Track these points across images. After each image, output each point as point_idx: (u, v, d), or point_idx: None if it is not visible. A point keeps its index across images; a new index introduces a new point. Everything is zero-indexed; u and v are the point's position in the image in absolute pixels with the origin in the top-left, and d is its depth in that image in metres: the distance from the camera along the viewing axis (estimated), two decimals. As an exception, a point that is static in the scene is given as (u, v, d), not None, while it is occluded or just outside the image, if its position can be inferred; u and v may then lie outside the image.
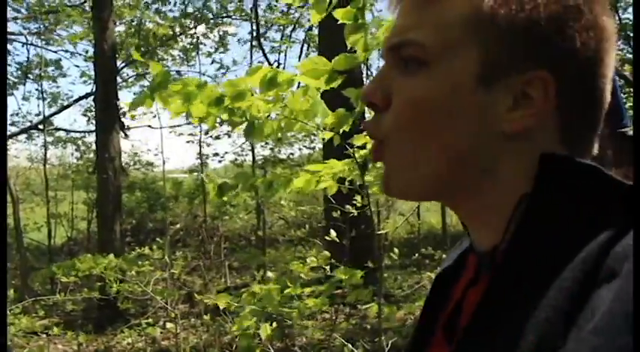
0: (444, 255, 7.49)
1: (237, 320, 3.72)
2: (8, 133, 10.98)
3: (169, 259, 6.08)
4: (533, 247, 0.52)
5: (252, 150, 10.48)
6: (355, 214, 3.76)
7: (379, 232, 3.48)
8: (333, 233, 3.79)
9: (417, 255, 7.00)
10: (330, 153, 6.66)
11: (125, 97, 16.57)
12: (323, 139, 2.65)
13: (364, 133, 3.11)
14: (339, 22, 2.42)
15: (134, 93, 14.09)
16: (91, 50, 13.73)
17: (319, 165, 2.85)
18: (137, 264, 4.93)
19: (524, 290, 0.50)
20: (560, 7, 0.55)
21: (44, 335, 6.25)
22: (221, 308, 3.58)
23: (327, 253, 3.50)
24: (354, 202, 3.69)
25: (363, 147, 2.93)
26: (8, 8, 12.95)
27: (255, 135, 2.61)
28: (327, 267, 3.57)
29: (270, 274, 4.33)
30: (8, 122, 12.10)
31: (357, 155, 2.79)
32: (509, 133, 0.56)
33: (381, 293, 3.15)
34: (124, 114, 8.22)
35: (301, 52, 13.72)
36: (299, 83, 2.75)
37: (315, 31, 12.56)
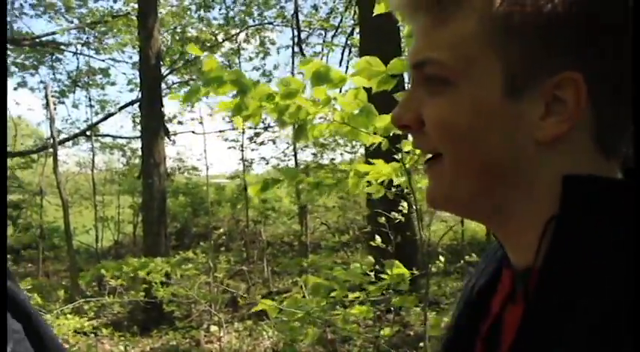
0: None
1: (279, 326, 3.73)
2: (58, 139, 11.26)
3: (213, 263, 6.14)
4: (565, 271, 0.51)
5: (295, 154, 10.51)
6: (402, 220, 3.73)
7: (423, 238, 3.43)
8: (378, 239, 3.75)
9: (462, 261, 6.89)
10: (372, 158, 6.63)
11: (169, 104, 16.87)
12: (372, 145, 2.63)
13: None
14: (398, 24, 2.41)
15: (179, 101, 14.31)
16: (137, 58, 14.15)
17: (366, 166, 2.84)
18: (182, 268, 5.00)
19: (565, 314, 0.50)
20: (577, 4, 0.53)
21: (92, 335, 6.39)
22: (270, 313, 3.59)
23: (371, 259, 3.47)
24: (400, 208, 3.66)
25: (410, 152, 2.90)
26: (62, 19, 13.39)
27: (305, 136, 2.62)
28: (372, 274, 3.53)
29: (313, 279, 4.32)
30: (58, 128, 12.45)
31: (405, 160, 2.77)
32: (543, 142, 0.54)
33: (427, 300, 3.11)
34: (170, 120, 8.39)
35: (342, 56, 13.74)
36: (340, 89, 2.75)
37: (357, 36, 12.58)
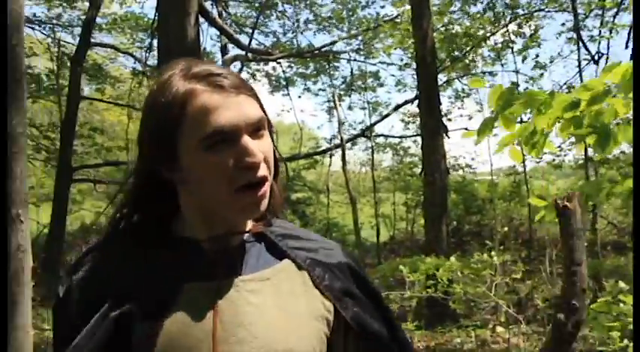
0: None
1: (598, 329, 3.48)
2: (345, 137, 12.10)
3: (499, 263, 5.99)
4: None
5: (586, 150, 9.69)
6: None
7: None
8: None
9: None
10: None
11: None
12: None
13: None
14: None
15: (447, 98, 14.35)
16: (405, 59, 14.61)
17: None
18: (474, 268, 4.98)
19: None
20: None
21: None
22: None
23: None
24: None
25: None
26: (334, 30, 14.47)
27: (611, 145, 2.35)
28: None
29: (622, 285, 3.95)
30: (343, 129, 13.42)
31: None
32: None
33: None
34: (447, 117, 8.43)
35: (628, 38, 12.29)
36: None
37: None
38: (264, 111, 0.97)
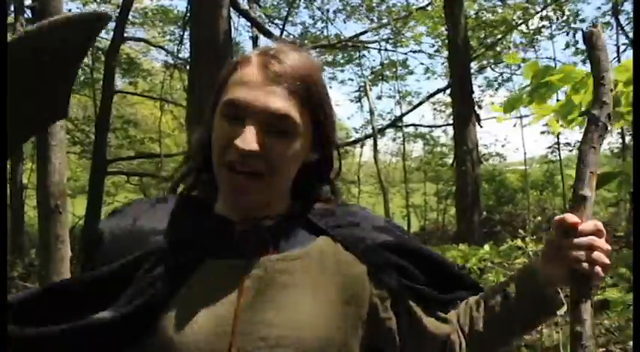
0: None
1: None
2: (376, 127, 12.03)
3: (532, 252, 5.93)
4: None
5: (623, 137, 9.50)
6: None
7: None
8: None
9: None
10: None
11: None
12: None
13: None
14: None
15: (478, 86, 14.12)
16: (435, 46, 14.43)
17: None
18: (506, 255, 4.92)
19: None
20: None
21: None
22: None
23: None
24: None
25: None
26: (364, 19, 14.37)
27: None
28: None
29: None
30: (367, 119, 13.36)
31: None
32: None
33: None
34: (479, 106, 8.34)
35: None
36: None
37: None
38: (320, 125, 0.94)
